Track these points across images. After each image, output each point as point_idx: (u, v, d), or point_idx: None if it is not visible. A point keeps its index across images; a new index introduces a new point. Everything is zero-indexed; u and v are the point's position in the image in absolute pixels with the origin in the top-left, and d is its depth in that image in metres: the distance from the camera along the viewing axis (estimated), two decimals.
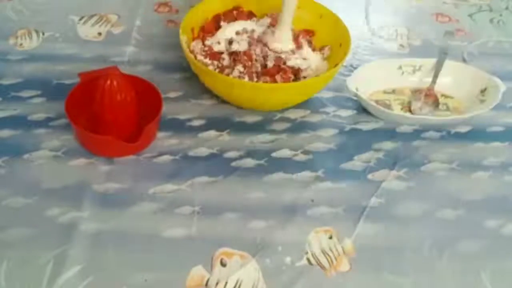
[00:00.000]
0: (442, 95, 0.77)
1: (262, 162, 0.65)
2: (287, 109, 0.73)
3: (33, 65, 0.76)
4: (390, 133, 0.71)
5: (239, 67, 0.69)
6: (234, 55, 0.72)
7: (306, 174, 0.64)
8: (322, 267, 0.55)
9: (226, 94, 0.70)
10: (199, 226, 0.58)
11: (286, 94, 0.69)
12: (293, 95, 0.70)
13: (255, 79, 0.69)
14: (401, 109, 0.75)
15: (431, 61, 0.78)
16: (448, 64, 0.77)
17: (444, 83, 0.77)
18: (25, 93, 0.71)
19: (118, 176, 0.62)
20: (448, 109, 0.75)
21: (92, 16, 0.87)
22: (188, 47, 0.71)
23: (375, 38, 0.88)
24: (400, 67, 0.78)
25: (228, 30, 0.75)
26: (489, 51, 0.87)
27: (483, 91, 0.75)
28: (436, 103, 0.75)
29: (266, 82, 0.69)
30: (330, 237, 0.58)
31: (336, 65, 0.69)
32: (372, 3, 0.97)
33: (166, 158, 0.65)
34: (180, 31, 0.70)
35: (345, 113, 0.73)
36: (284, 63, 0.71)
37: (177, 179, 0.62)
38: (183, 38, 0.70)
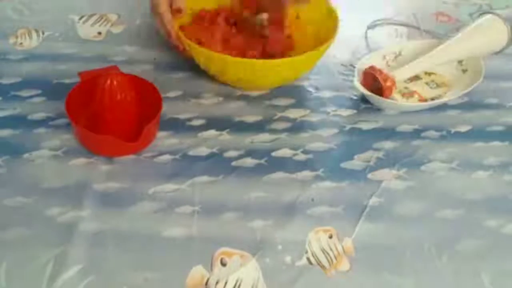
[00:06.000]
0: (426, 73, 0.78)
1: (262, 161, 0.65)
2: (287, 108, 0.73)
3: (33, 64, 0.76)
4: (390, 133, 0.71)
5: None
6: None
7: (306, 174, 0.64)
8: (322, 267, 0.55)
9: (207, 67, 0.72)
10: (199, 225, 0.58)
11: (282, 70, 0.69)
12: (286, 71, 0.71)
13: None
14: (402, 96, 0.75)
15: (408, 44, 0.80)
16: (414, 43, 0.79)
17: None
18: (25, 93, 0.71)
19: (118, 175, 0.62)
20: (437, 86, 0.75)
21: (92, 16, 0.87)
22: None
23: (374, 38, 0.88)
24: (384, 57, 0.79)
25: None
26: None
27: (460, 61, 0.76)
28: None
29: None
30: (330, 237, 0.58)
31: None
32: (372, 2, 0.97)
33: (166, 157, 0.65)
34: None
35: (345, 112, 0.73)
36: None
37: (177, 179, 0.62)
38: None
